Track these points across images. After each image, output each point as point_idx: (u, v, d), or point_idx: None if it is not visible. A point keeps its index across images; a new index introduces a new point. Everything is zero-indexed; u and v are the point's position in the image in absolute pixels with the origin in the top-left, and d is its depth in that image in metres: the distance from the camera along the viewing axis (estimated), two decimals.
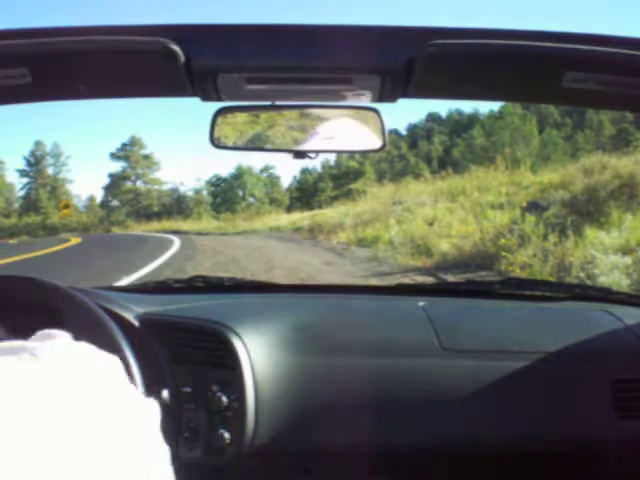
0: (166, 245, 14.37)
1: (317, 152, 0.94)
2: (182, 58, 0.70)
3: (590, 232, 6.94)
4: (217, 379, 1.12)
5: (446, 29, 0.71)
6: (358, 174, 36.29)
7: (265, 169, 43.08)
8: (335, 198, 31.20)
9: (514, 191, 12.16)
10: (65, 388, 0.41)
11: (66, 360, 0.44)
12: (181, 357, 1.14)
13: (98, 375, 0.45)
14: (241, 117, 0.95)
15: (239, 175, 41.27)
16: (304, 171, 43.42)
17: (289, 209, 35.77)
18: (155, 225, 31.49)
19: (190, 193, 41.06)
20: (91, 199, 42.66)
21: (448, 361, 1.18)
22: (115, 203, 40.77)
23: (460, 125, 41.53)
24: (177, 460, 1.10)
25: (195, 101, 0.81)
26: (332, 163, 41.25)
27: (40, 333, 0.48)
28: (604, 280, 5.30)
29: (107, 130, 63.98)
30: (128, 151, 40.54)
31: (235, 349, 1.11)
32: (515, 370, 1.17)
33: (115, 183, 40.86)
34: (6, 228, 32.57)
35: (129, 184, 40.94)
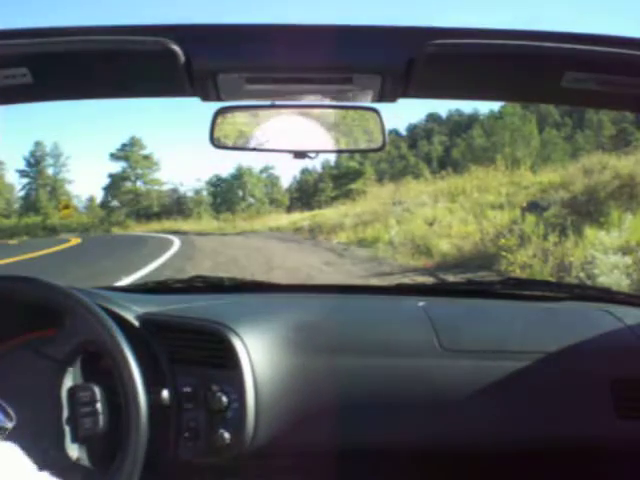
0: (166, 245, 14.36)
1: (317, 152, 0.94)
2: (182, 58, 0.70)
3: (590, 232, 6.93)
4: (217, 379, 1.12)
5: (446, 29, 0.71)
6: (358, 174, 36.19)
7: (265, 169, 43.05)
8: (335, 198, 31.17)
9: (514, 191, 12.14)
10: None
11: None
12: (181, 357, 1.14)
13: None
14: (241, 117, 0.95)
15: (239, 175, 41.22)
16: (304, 171, 43.41)
17: (289, 209, 35.70)
18: (155, 225, 31.48)
19: (190, 193, 41.00)
20: (91, 199, 42.64)
21: (448, 361, 1.18)
22: (115, 203, 40.67)
23: (460, 125, 41.56)
24: (177, 460, 1.10)
25: (195, 101, 0.81)
26: (332, 163, 41.25)
27: None
28: (604, 280, 5.29)
29: (107, 130, 64.15)
30: (128, 151, 40.45)
31: (235, 349, 1.11)
32: (515, 370, 1.17)
33: (115, 183, 40.79)
34: (6, 229, 32.52)
35: (129, 184, 40.87)
